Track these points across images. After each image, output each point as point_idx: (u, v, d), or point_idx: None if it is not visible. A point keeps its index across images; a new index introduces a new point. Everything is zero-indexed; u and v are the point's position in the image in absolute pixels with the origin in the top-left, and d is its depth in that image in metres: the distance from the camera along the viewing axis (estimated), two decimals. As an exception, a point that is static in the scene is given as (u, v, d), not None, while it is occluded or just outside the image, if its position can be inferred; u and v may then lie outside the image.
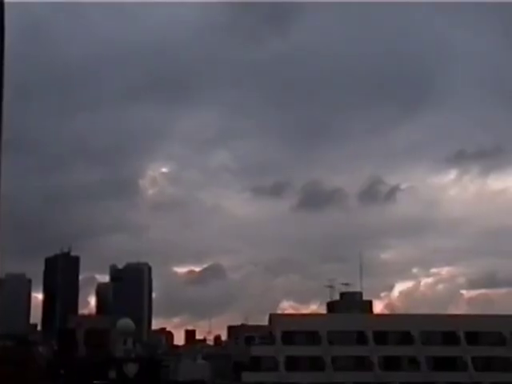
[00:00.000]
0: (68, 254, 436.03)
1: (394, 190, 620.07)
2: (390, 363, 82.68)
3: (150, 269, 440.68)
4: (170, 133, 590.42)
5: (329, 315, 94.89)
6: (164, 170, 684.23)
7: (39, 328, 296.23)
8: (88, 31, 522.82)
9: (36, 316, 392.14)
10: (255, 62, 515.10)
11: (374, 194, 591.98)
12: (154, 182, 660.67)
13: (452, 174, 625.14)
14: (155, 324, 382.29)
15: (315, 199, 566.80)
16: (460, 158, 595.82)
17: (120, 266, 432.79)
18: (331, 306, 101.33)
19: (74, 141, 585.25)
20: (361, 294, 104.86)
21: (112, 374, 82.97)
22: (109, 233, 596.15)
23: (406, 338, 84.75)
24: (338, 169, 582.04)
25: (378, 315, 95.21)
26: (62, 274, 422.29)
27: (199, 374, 78.59)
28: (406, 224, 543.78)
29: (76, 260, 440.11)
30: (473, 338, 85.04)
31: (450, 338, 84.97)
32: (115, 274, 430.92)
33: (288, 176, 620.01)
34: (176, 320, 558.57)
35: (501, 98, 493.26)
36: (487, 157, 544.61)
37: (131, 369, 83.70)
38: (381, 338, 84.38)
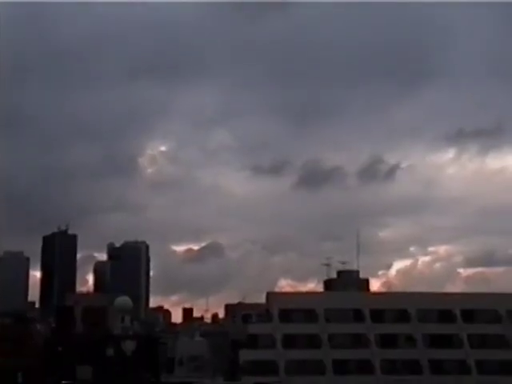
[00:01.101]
0: (65, 232, 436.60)
1: (393, 169, 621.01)
2: (387, 341, 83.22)
3: (147, 247, 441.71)
4: (169, 111, 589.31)
5: (326, 293, 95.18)
6: (163, 148, 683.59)
7: (37, 306, 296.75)
8: (89, 9, 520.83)
9: (34, 294, 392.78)
10: (255, 39, 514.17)
11: (373, 172, 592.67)
12: (152, 160, 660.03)
13: (451, 153, 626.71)
14: (153, 302, 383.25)
15: (314, 178, 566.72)
16: (459, 137, 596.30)
17: (118, 245, 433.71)
18: (328, 284, 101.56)
19: (74, 119, 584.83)
20: (358, 272, 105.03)
21: (110, 352, 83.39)
22: (107, 211, 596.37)
23: (402, 316, 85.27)
24: (338, 147, 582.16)
25: (375, 293, 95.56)
26: (59, 252, 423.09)
27: (197, 351, 78.90)
28: (405, 202, 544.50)
29: (74, 238, 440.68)
30: (469, 315, 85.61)
31: (446, 315, 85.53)
32: (113, 252, 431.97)
33: (287, 154, 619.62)
34: (174, 298, 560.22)
35: (501, 77, 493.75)
36: (486, 136, 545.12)
37: (129, 346, 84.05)
38: (377, 315, 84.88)
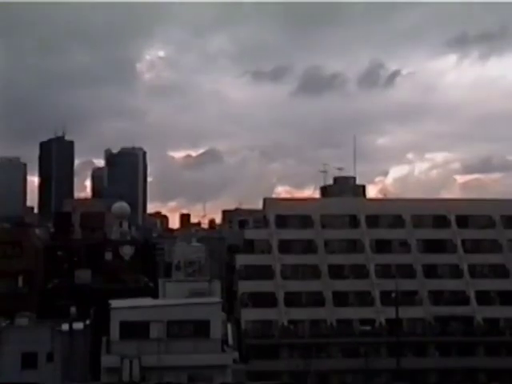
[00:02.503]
0: (62, 138, 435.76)
1: (393, 75, 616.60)
2: (382, 246, 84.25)
3: (144, 153, 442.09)
4: (168, 16, 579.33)
5: (322, 199, 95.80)
6: (162, 54, 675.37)
7: (35, 211, 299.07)
8: None
9: (32, 200, 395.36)
10: None
11: (373, 79, 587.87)
12: (151, 66, 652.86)
13: (452, 59, 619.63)
14: (151, 208, 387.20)
15: (315, 84, 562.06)
16: (461, 42, 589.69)
17: (115, 151, 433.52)
18: (324, 191, 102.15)
19: (72, 23, 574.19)
20: (354, 178, 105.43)
21: (108, 256, 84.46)
22: (105, 117, 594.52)
23: (397, 222, 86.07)
24: (339, 53, 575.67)
25: (371, 199, 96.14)
26: (56, 158, 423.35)
27: (194, 256, 79.87)
28: (404, 109, 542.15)
29: (71, 144, 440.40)
30: (463, 221, 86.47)
31: (440, 221, 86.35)
32: (110, 158, 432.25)
33: (288, 61, 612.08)
34: (171, 204, 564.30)
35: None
36: (490, 40, 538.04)
37: (127, 251, 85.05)
38: (373, 221, 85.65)
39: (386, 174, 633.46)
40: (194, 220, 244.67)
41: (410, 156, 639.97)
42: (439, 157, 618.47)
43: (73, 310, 51.37)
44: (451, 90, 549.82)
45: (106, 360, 48.35)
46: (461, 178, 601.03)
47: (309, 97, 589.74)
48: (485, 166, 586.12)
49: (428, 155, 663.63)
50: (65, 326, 49.74)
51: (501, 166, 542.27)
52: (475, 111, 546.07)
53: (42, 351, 49.86)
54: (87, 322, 52.20)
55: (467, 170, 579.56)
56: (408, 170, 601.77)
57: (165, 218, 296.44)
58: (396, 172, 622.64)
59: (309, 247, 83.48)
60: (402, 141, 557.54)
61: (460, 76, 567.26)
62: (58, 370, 49.10)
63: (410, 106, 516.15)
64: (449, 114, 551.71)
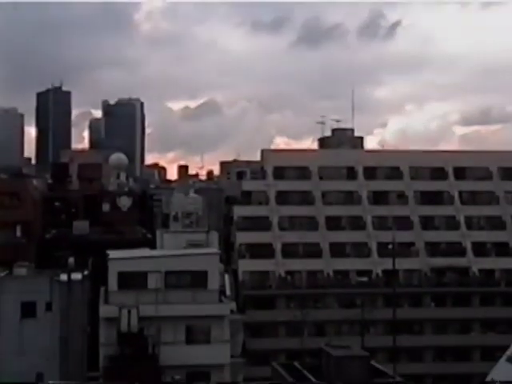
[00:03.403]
0: (59, 88, 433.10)
1: (394, 26, 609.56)
2: (379, 197, 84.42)
3: (142, 104, 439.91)
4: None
5: (319, 151, 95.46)
6: (160, 4, 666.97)
7: (33, 162, 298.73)
8: None
9: (30, 151, 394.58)
10: None
11: (373, 30, 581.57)
12: (149, 16, 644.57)
13: (453, 9, 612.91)
14: (150, 159, 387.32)
15: (314, 35, 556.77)
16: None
17: (112, 102, 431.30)
18: (322, 142, 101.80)
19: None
20: (352, 130, 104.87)
21: (106, 207, 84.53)
22: (102, 68, 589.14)
23: (395, 174, 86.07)
24: (339, 4, 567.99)
25: (368, 151, 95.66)
26: (54, 108, 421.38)
27: (191, 207, 79.93)
28: (404, 60, 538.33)
29: (68, 95, 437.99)
30: (460, 173, 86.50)
31: (438, 173, 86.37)
32: (107, 109, 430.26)
33: (288, 11, 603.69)
34: (169, 155, 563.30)
35: None
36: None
37: (124, 202, 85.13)
38: (370, 173, 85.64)
39: (384, 125, 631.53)
40: (192, 171, 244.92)
41: (408, 107, 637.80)
42: (438, 108, 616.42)
43: (71, 260, 51.63)
44: (451, 41, 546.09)
45: (105, 310, 48.79)
46: (460, 130, 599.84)
47: (308, 48, 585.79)
48: (484, 117, 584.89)
49: (427, 107, 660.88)
50: (63, 277, 50.02)
51: (500, 118, 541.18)
52: (475, 62, 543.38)
53: (40, 301, 50.21)
54: (85, 272, 52.46)
55: (466, 121, 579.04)
56: (407, 121, 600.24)
57: (163, 170, 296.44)
58: (395, 124, 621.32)
59: (306, 199, 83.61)
60: (401, 92, 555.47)
61: (461, 26, 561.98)
62: (57, 319, 49.51)
63: (409, 57, 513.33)
64: (449, 64, 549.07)
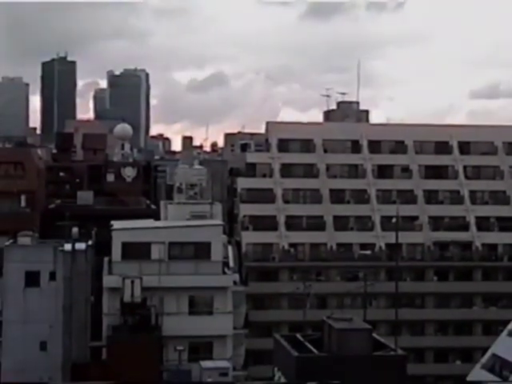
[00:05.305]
0: (65, 58, 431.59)
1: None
2: (383, 171, 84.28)
3: (147, 75, 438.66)
4: None
5: (324, 124, 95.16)
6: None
7: (38, 132, 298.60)
8: None
9: (35, 121, 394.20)
10: None
11: (382, 3, 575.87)
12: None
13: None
14: (156, 130, 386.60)
15: (324, 7, 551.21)
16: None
17: (118, 73, 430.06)
18: (328, 115, 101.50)
19: None
20: (358, 103, 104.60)
21: (110, 178, 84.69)
22: (107, 38, 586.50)
23: (399, 147, 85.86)
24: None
25: (373, 124, 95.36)
26: (59, 78, 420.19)
27: (195, 178, 79.86)
28: (412, 34, 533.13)
29: (73, 65, 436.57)
30: (465, 147, 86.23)
31: (442, 147, 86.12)
32: (112, 80, 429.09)
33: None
34: (174, 127, 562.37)
35: None
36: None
37: (129, 172, 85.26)
38: (375, 146, 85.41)
39: (391, 99, 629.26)
40: (196, 143, 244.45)
41: (416, 81, 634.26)
42: (445, 82, 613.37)
43: (75, 230, 51.72)
44: (460, 15, 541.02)
45: (108, 280, 49.03)
46: (467, 104, 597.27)
47: (317, 21, 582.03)
48: (492, 91, 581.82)
49: (434, 80, 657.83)
50: (67, 246, 50.17)
51: (508, 92, 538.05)
52: (484, 37, 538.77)
53: (44, 270, 50.39)
54: (89, 242, 52.61)
55: (474, 95, 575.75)
56: (414, 95, 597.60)
57: (167, 141, 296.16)
58: (401, 97, 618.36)
59: (310, 171, 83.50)
60: (408, 66, 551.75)
61: (470, 0, 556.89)
62: (60, 289, 49.75)
63: (418, 30, 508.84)
64: (457, 39, 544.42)
